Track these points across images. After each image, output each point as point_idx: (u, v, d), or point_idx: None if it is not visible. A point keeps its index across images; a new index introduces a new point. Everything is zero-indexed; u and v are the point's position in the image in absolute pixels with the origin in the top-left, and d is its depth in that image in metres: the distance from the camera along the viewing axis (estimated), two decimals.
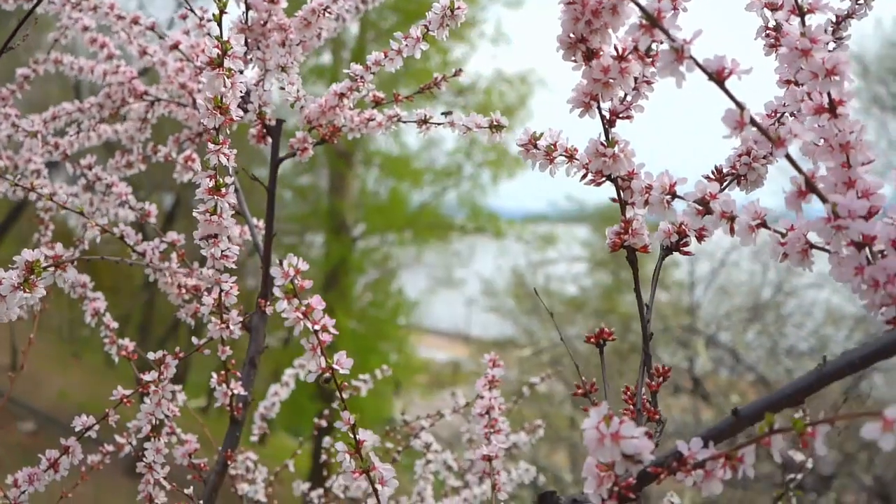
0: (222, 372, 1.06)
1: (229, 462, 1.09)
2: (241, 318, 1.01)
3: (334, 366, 0.71)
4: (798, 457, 1.18)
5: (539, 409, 8.09)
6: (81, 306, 1.20)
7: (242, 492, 1.40)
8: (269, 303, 1.08)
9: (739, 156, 0.78)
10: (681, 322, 6.45)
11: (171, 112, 1.29)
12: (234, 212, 1.18)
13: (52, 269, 0.75)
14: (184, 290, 1.12)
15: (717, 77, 0.57)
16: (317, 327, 0.69)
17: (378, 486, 0.72)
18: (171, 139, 1.30)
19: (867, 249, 0.58)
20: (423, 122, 1.05)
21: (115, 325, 1.18)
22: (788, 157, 0.57)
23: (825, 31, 0.80)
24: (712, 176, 0.78)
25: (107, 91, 1.28)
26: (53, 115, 1.28)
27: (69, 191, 1.30)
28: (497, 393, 1.07)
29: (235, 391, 1.06)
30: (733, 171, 0.78)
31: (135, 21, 1.17)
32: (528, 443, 1.61)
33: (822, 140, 0.62)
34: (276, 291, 0.69)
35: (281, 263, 0.68)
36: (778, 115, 0.79)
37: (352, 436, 0.72)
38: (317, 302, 0.70)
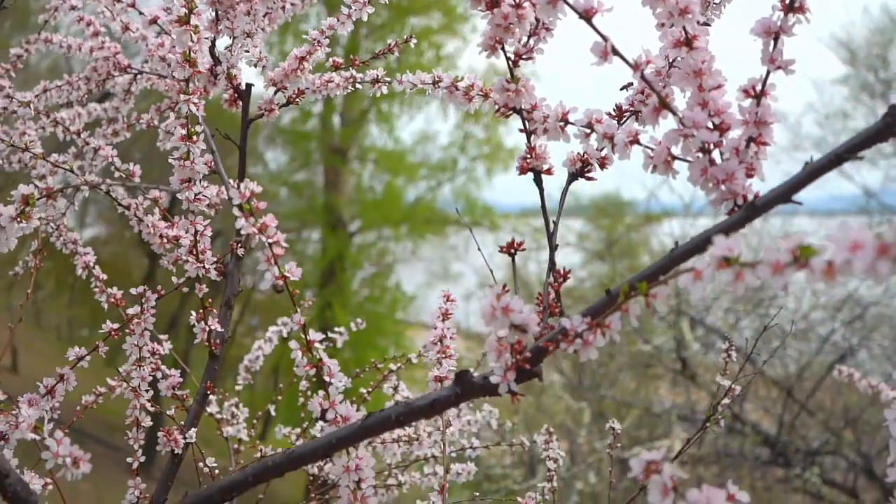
0: (200, 310, 1.18)
1: (209, 392, 1.21)
2: (215, 259, 1.13)
3: (287, 273, 0.83)
4: (724, 382, 1.30)
5: (536, 400, 8.23)
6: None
7: (227, 434, 1.52)
8: (241, 247, 1.21)
9: (636, 94, 0.90)
10: (670, 303, 6.57)
11: (153, 84, 1.42)
12: (210, 171, 1.31)
13: (44, 199, 0.87)
14: (165, 240, 1.25)
15: (586, 15, 0.69)
16: (271, 240, 0.81)
17: (327, 378, 0.84)
18: (154, 108, 1.43)
19: (711, 154, 0.70)
20: (376, 81, 1.17)
21: (104, 276, 1.30)
22: (643, 78, 0.70)
23: None
24: (613, 112, 0.90)
25: (93, 65, 1.40)
26: (44, 89, 1.41)
27: (61, 159, 1.43)
28: (450, 324, 1.20)
29: (213, 328, 1.18)
30: (631, 108, 0.90)
31: None
32: None
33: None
34: (235, 210, 0.81)
35: (238, 187, 0.80)
36: (671, 59, 0.91)
37: (303, 336, 0.85)
38: (270, 220, 0.82)
